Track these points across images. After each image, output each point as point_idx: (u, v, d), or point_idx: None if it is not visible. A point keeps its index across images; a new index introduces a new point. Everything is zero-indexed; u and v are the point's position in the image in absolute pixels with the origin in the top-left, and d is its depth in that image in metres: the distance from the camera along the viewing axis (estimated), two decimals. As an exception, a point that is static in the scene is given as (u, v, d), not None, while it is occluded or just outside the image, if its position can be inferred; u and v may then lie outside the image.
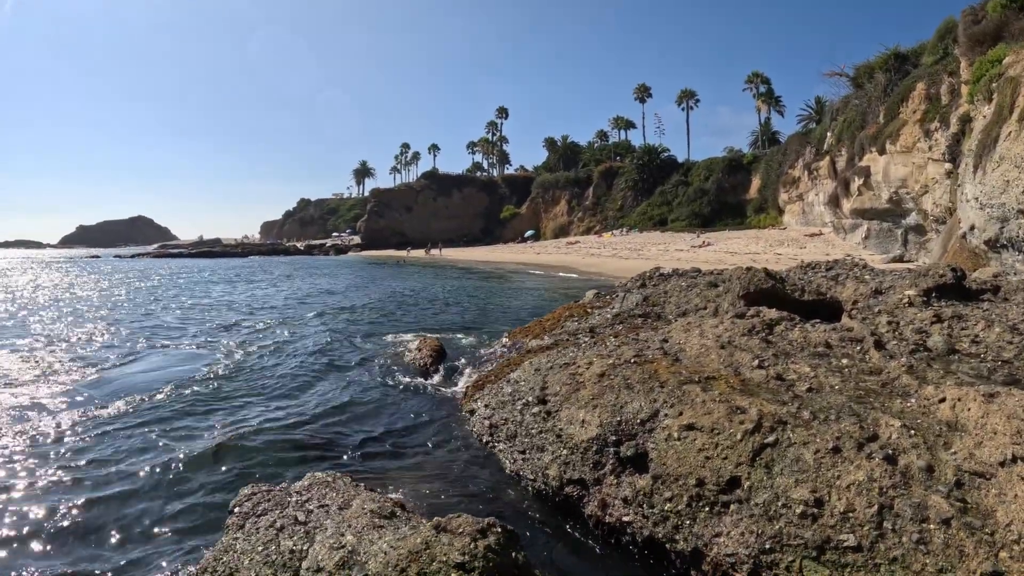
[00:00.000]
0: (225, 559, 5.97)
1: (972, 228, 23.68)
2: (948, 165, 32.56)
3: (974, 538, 4.54)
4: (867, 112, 46.97)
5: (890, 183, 39.68)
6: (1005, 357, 7.86)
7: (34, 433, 11.44)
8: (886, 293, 11.17)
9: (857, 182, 44.79)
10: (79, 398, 14.24)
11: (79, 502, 8.89)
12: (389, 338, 22.29)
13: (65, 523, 8.25)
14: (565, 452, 7.71)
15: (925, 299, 10.50)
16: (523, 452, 8.55)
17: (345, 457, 10.55)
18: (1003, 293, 11.19)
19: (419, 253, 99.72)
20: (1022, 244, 20.36)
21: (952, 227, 28.33)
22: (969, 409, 5.73)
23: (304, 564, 5.53)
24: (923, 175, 36.22)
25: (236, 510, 6.96)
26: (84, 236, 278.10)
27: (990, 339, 8.42)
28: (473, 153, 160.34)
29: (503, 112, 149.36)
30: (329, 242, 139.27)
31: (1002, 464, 4.98)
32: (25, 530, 8.07)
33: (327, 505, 6.55)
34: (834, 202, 51.77)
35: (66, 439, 11.34)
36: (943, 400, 6.13)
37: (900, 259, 36.60)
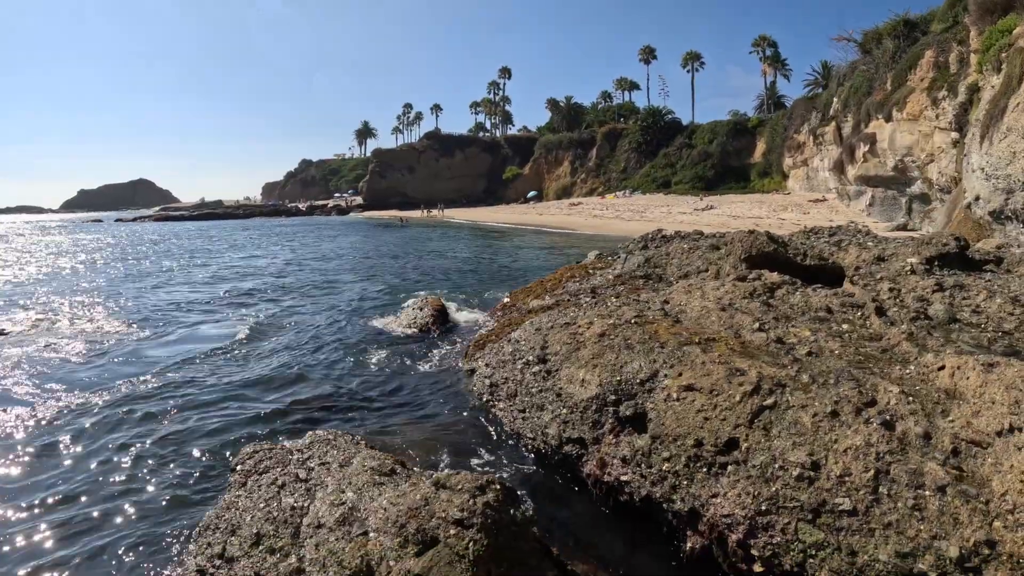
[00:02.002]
0: (227, 516, 6.05)
1: (977, 198, 23.50)
2: (955, 134, 32.23)
3: (969, 506, 4.56)
4: (874, 78, 46.39)
5: (896, 151, 39.35)
6: (1006, 328, 7.86)
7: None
8: (888, 260, 11.13)
9: (862, 149, 44.43)
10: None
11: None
12: (392, 298, 22.39)
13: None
14: (565, 411, 7.74)
15: (927, 267, 10.48)
16: (523, 411, 8.59)
17: (346, 415, 10.67)
18: (1006, 264, 11.16)
19: (420, 213, 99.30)
20: (1026, 217, 20.28)
21: (957, 197, 28.14)
22: (968, 378, 5.73)
23: (305, 520, 5.58)
24: (929, 144, 35.92)
25: (238, 468, 7.02)
26: (86, 200, 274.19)
27: (991, 310, 8.40)
28: (476, 113, 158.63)
29: (506, 72, 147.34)
30: (331, 203, 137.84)
31: (999, 434, 4.99)
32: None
33: (328, 462, 6.60)
34: (839, 168, 51.38)
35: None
36: (942, 368, 6.12)
37: (904, 227, 36.42)
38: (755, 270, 10.25)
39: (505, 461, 8.65)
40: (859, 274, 10.73)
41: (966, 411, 5.34)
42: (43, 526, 7.51)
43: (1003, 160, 21.12)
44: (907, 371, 6.43)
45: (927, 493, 4.73)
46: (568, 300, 12.37)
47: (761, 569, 5.26)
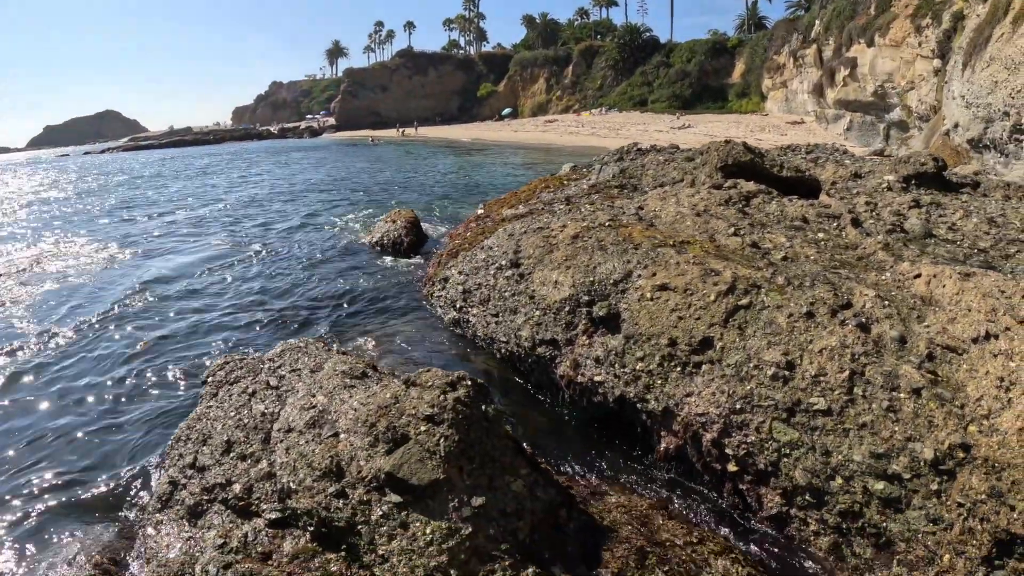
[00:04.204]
0: (198, 427, 6.04)
1: (956, 126, 23.50)
2: (937, 62, 32.03)
3: (944, 410, 4.55)
4: (858, 3, 45.87)
5: (876, 76, 39.19)
6: (981, 246, 7.81)
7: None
8: (865, 177, 11.05)
9: (843, 72, 44.22)
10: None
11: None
12: (364, 213, 22.33)
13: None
14: (538, 313, 7.69)
15: (904, 185, 10.40)
16: (496, 315, 8.54)
17: (319, 326, 10.78)
18: (982, 189, 11.11)
19: (396, 132, 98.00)
20: (1004, 146, 20.26)
21: (935, 124, 28.13)
22: (944, 286, 5.68)
23: (275, 426, 5.55)
24: (910, 71, 35.74)
25: (209, 380, 7.00)
26: (52, 136, 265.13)
27: (967, 228, 8.35)
28: (450, 31, 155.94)
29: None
30: (303, 125, 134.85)
31: (975, 341, 4.96)
32: None
33: (299, 369, 6.55)
34: (818, 91, 51.20)
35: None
36: (919, 276, 6.07)
37: (880, 153, 36.33)
38: (731, 179, 10.14)
39: (478, 364, 8.68)
40: (836, 188, 10.64)
41: (942, 317, 5.30)
42: (22, 443, 7.63)
43: (984, 89, 21.05)
44: (883, 277, 6.39)
45: (902, 395, 4.72)
46: (542, 208, 12.19)
47: (735, 468, 5.28)
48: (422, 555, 4.14)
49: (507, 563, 4.18)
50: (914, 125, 35.54)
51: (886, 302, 5.58)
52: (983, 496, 4.14)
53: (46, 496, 6.53)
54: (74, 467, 7.06)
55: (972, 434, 4.39)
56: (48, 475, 6.92)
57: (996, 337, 4.88)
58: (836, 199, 9.72)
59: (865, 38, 41.31)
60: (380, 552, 4.25)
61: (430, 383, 5.12)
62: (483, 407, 5.03)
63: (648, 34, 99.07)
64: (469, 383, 5.13)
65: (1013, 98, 19.34)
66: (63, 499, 6.46)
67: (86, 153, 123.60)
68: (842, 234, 8.00)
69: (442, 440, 4.59)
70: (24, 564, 5.57)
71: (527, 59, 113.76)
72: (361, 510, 4.44)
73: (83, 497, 6.48)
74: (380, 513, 4.38)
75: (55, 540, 5.82)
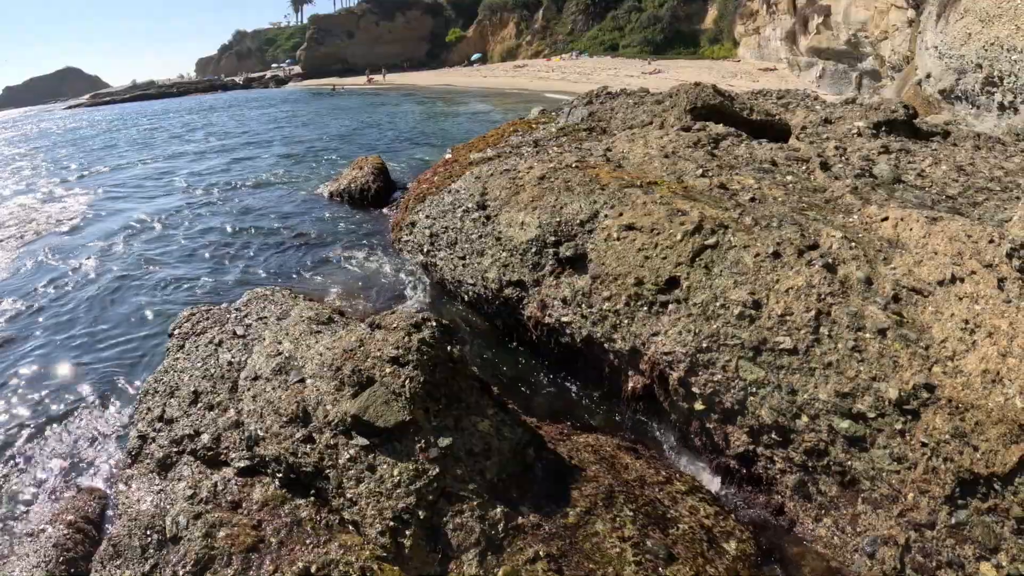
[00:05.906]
0: (166, 379, 6.00)
1: (928, 76, 23.49)
2: (911, 13, 31.92)
3: (909, 350, 4.57)
4: (832, -51, 45.66)
5: (850, 25, 39.06)
6: (949, 193, 7.84)
7: None
8: (835, 123, 11.05)
9: (816, 20, 44.01)
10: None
11: None
12: (332, 161, 22.24)
13: None
14: (504, 255, 7.64)
15: (874, 132, 10.42)
16: (463, 258, 8.47)
17: (286, 273, 10.80)
18: (952, 139, 11.15)
19: (366, 80, 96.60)
20: (976, 98, 20.31)
21: (908, 74, 28.12)
22: (911, 229, 5.68)
23: (242, 374, 5.52)
24: (884, 20, 35.65)
25: (176, 332, 6.93)
26: (11, 98, 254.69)
27: (936, 175, 8.39)
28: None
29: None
30: (269, 74, 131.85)
31: (940, 283, 4.97)
32: None
33: (266, 317, 6.52)
34: (791, 38, 50.99)
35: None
36: (886, 219, 6.07)
37: (852, 101, 36.41)
38: (700, 121, 10.09)
39: (445, 308, 8.71)
40: (805, 133, 10.64)
41: (908, 260, 5.31)
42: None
43: (958, 40, 21.03)
44: (850, 220, 6.38)
45: (867, 335, 4.74)
46: (510, 152, 12.06)
47: (702, 407, 5.30)
48: (390, 497, 4.14)
49: (475, 503, 4.19)
50: (886, 75, 35.58)
51: (853, 244, 5.58)
52: (947, 436, 4.17)
53: (17, 456, 6.53)
54: (44, 430, 7.03)
55: (936, 375, 4.42)
56: (19, 433, 6.92)
57: (961, 280, 4.89)
58: (806, 143, 9.72)
59: (840, -15, 41.10)
60: (348, 496, 4.26)
61: (395, 325, 5.09)
62: (448, 348, 5.01)
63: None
64: (434, 324, 5.10)
65: (986, 50, 19.32)
66: (34, 458, 6.47)
67: (46, 111, 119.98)
68: (811, 177, 7.98)
69: (407, 382, 4.57)
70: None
71: (496, 3, 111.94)
72: (328, 454, 4.45)
73: (56, 454, 6.49)
74: (347, 457, 4.39)
75: (28, 501, 5.82)
